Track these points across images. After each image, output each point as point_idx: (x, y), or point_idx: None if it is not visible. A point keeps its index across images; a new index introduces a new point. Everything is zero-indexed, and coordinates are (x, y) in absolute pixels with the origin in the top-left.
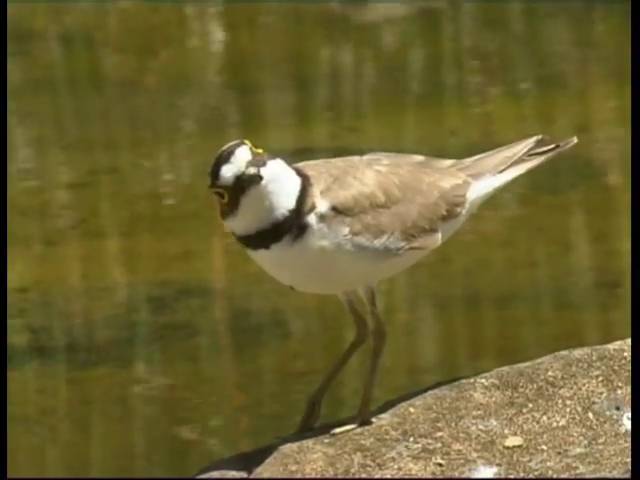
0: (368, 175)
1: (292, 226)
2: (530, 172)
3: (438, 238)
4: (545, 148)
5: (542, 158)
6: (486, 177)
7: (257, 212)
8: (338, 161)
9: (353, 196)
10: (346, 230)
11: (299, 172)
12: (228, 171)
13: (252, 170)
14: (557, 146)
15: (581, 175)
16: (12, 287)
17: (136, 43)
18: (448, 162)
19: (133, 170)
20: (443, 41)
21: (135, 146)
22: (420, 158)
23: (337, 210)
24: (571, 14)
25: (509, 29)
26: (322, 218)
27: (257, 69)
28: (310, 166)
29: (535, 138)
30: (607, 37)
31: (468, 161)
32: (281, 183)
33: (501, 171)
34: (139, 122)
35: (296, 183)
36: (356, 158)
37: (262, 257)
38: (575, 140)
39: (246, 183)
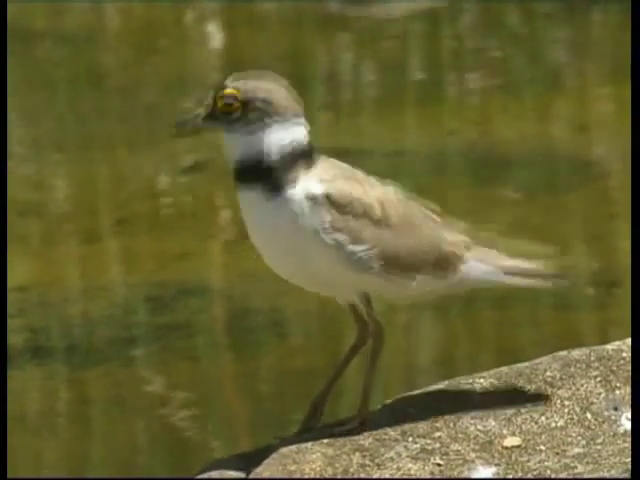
0: (378, 191)
1: (267, 182)
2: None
3: (412, 282)
4: (556, 276)
5: (548, 282)
6: (487, 267)
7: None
8: (360, 172)
9: (352, 196)
10: (327, 220)
11: (305, 144)
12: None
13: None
14: (568, 280)
15: (579, 175)
16: (11, 286)
17: (135, 43)
18: (461, 229)
19: (131, 169)
20: (442, 40)
21: (133, 145)
22: (436, 210)
23: (330, 199)
24: (570, 13)
25: (508, 29)
26: (312, 199)
27: (256, 67)
28: (332, 162)
29: (554, 271)
30: (606, 36)
31: (481, 245)
32: (263, 131)
33: (506, 273)
34: (137, 121)
35: (280, 139)
36: (377, 181)
37: (242, 201)
38: (589, 290)
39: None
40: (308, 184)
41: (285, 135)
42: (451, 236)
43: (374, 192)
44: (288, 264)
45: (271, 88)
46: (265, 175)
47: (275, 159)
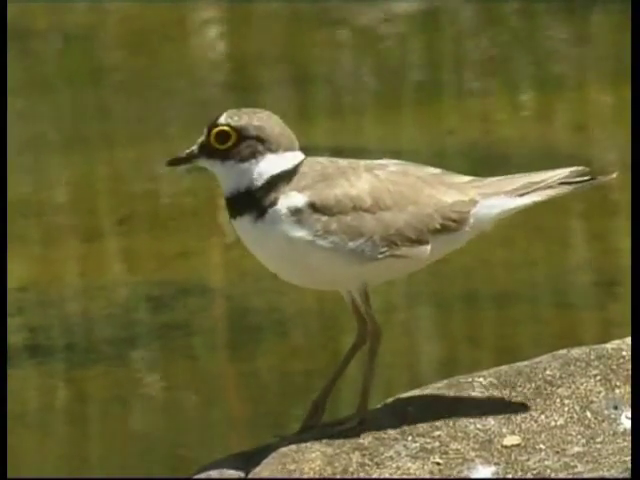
0: (363, 178)
1: (254, 206)
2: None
3: (426, 250)
4: (579, 179)
5: (570, 187)
6: (501, 198)
7: (225, 176)
8: (343, 161)
9: (336, 196)
10: (319, 227)
11: (293, 167)
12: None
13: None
14: (592, 178)
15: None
16: (11, 286)
17: (136, 42)
18: (465, 178)
19: (132, 169)
20: (442, 40)
21: (133, 144)
22: (435, 171)
23: (314, 207)
24: (569, 13)
25: (508, 28)
26: (296, 212)
27: (256, 68)
28: (309, 163)
29: (572, 169)
30: (605, 36)
31: (488, 180)
32: (252, 161)
33: (521, 194)
34: (137, 120)
35: (271, 168)
36: (363, 162)
37: (236, 228)
38: (614, 175)
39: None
40: (289, 198)
41: (276, 167)
42: (453, 193)
43: (359, 180)
44: (295, 274)
45: (265, 124)
46: (252, 202)
47: (260, 186)
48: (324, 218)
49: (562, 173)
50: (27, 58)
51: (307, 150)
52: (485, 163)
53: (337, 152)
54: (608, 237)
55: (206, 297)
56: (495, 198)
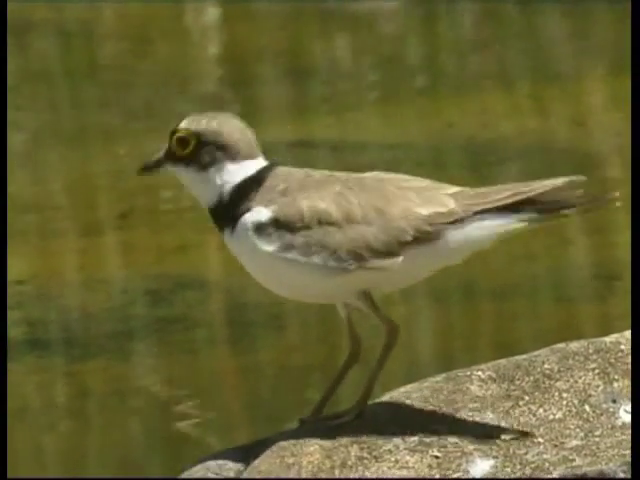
0: (335, 191)
1: (228, 220)
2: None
3: (396, 262)
4: (576, 193)
5: (567, 212)
6: (485, 211)
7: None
8: (321, 174)
9: (301, 210)
10: (283, 241)
11: (257, 174)
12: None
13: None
14: (593, 199)
15: (578, 167)
16: (10, 280)
17: (134, 36)
18: (452, 189)
19: (130, 162)
20: (440, 33)
21: (132, 139)
22: (423, 182)
23: (278, 222)
24: (569, 6)
25: (506, 21)
26: (260, 227)
27: (255, 62)
28: (282, 173)
29: (567, 179)
30: (604, 29)
31: (474, 191)
32: (212, 170)
33: (506, 208)
34: (136, 115)
35: (232, 177)
36: (344, 176)
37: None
38: (617, 194)
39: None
40: (254, 213)
41: (236, 176)
42: (429, 205)
43: (330, 194)
44: (277, 286)
45: (223, 130)
46: (225, 215)
47: (228, 199)
48: (288, 234)
49: (555, 183)
50: (26, 53)
51: (306, 144)
52: (484, 157)
53: (335, 146)
54: (607, 231)
55: (204, 291)
56: (480, 211)
